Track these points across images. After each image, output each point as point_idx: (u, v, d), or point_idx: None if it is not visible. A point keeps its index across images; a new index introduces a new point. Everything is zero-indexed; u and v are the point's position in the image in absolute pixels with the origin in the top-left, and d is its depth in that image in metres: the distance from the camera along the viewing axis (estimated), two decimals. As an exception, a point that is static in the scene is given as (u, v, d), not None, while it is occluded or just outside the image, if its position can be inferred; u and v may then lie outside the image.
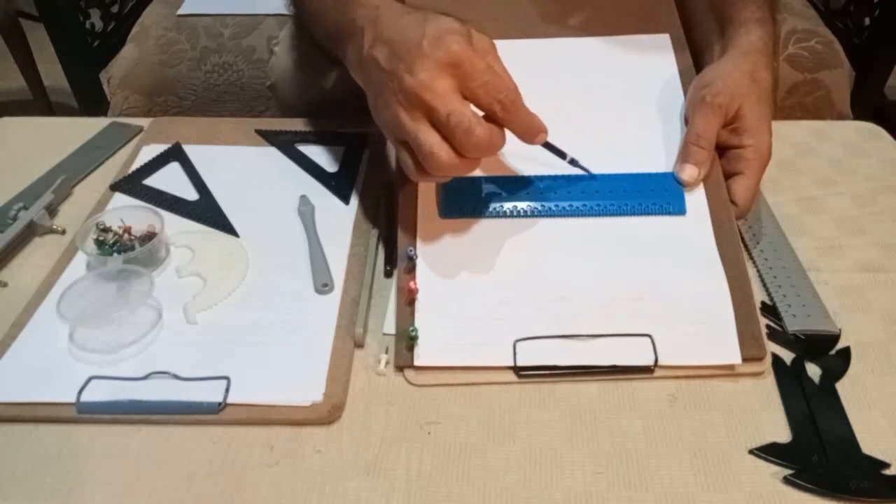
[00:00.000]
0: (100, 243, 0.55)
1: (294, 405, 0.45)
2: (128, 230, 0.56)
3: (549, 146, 0.51)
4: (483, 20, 0.64)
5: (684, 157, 0.54)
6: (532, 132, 0.47)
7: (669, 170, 0.55)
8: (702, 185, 0.54)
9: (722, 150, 0.55)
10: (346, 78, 0.76)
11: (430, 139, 0.44)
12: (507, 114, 0.45)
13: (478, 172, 0.54)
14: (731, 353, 0.47)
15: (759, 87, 0.55)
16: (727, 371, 0.47)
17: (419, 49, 0.44)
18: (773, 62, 0.59)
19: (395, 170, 0.57)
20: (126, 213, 0.57)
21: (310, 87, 0.77)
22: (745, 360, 0.47)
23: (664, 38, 0.63)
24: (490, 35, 0.63)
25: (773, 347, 0.49)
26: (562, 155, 0.52)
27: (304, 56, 0.77)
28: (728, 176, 0.54)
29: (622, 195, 0.53)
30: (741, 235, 0.57)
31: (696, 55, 0.64)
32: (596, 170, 0.54)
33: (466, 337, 0.48)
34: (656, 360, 0.47)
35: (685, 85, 0.59)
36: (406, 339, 0.48)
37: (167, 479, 0.42)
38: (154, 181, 0.64)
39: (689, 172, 0.53)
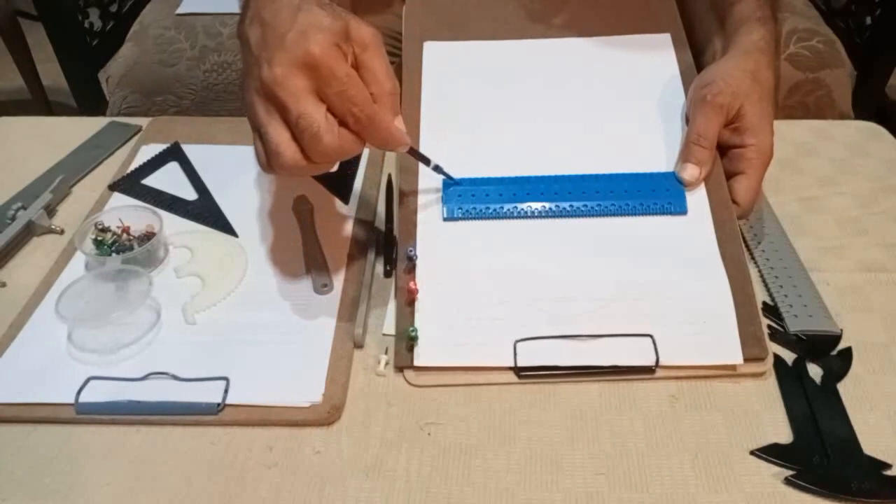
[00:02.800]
0: (98, 243, 0.55)
1: (293, 406, 0.45)
2: (126, 230, 0.56)
3: (413, 153, 0.50)
4: (485, 19, 0.65)
5: (685, 156, 0.54)
6: (391, 145, 0.45)
7: (670, 169, 0.54)
8: (703, 185, 0.54)
9: (723, 149, 0.55)
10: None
11: (279, 137, 0.42)
12: (361, 127, 0.42)
13: (478, 173, 0.54)
14: (732, 354, 0.47)
15: (761, 87, 0.55)
16: (729, 371, 0.47)
17: (283, 41, 0.41)
18: (774, 61, 0.58)
19: (397, 168, 0.57)
20: (125, 212, 0.57)
21: None
22: (746, 360, 0.47)
23: (665, 38, 0.63)
24: (491, 35, 0.63)
25: (774, 348, 0.49)
26: (426, 161, 0.51)
27: None
28: (729, 175, 0.54)
29: (623, 195, 0.53)
30: (742, 235, 0.56)
31: (697, 54, 0.64)
32: (597, 169, 0.54)
33: (466, 337, 0.48)
34: (657, 361, 0.47)
35: (686, 84, 0.59)
36: (406, 340, 0.48)
37: (166, 480, 0.42)
38: (153, 181, 0.64)
39: (690, 172, 0.53)
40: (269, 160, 0.43)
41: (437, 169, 0.52)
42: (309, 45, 0.41)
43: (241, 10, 0.48)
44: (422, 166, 0.56)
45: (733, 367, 0.47)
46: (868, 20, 1.16)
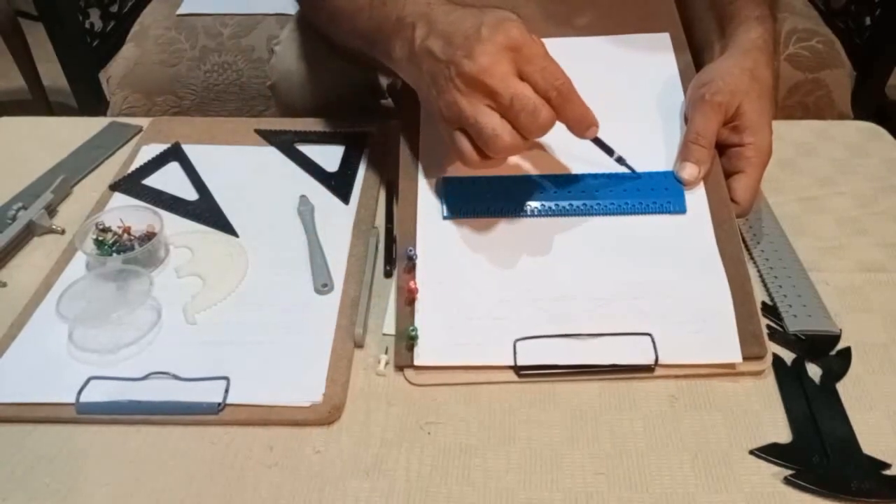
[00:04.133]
0: (99, 243, 0.55)
1: (294, 405, 0.45)
2: (127, 230, 0.56)
3: (597, 142, 0.51)
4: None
5: (684, 155, 0.54)
6: (584, 124, 0.48)
7: (669, 168, 0.54)
8: (702, 184, 0.54)
9: (722, 148, 0.55)
10: (347, 77, 0.76)
11: (493, 121, 0.45)
12: (562, 101, 0.46)
13: (477, 172, 0.54)
14: (731, 352, 0.47)
15: (760, 85, 0.55)
16: (728, 370, 0.47)
17: (478, 36, 0.45)
18: (773, 60, 0.59)
19: (401, 163, 0.57)
20: (125, 212, 0.57)
21: (311, 87, 0.77)
22: (745, 358, 0.47)
23: (664, 37, 0.63)
24: None
25: (773, 348, 0.49)
26: (609, 152, 0.52)
27: (306, 56, 0.77)
28: (728, 174, 0.54)
29: (622, 194, 0.53)
30: (742, 235, 0.57)
31: (696, 54, 0.64)
32: (596, 169, 0.54)
33: (466, 336, 0.48)
34: (657, 359, 0.47)
35: (685, 83, 0.59)
36: (406, 339, 0.48)
37: (167, 480, 0.42)
38: (153, 181, 0.64)
39: (689, 171, 0.53)
40: (486, 146, 0.46)
41: (621, 160, 0.53)
42: (509, 30, 0.45)
43: (377, 41, 0.53)
44: (420, 166, 0.56)
45: (732, 366, 0.47)
46: (868, 20, 1.16)
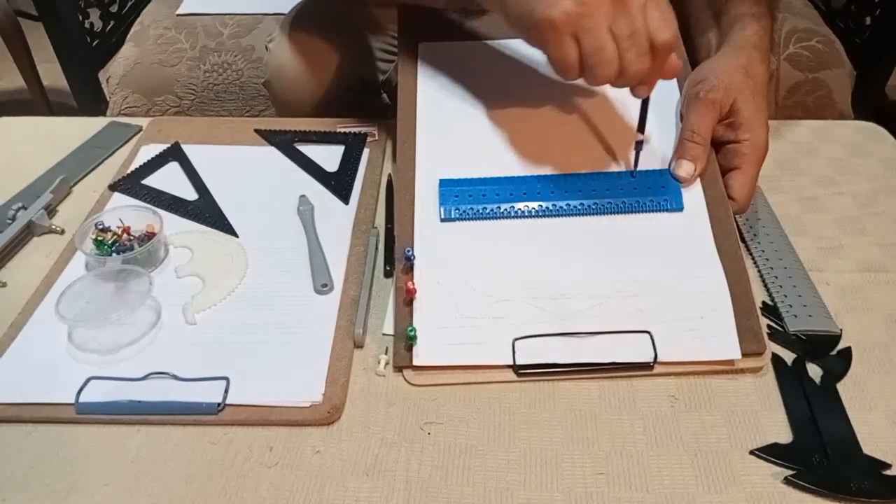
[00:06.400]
0: (99, 243, 0.55)
1: (293, 406, 0.45)
2: (127, 230, 0.56)
3: (644, 106, 0.51)
4: (479, 20, 0.65)
5: (680, 153, 0.54)
6: (650, 83, 0.48)
7: (666, 167, 0.54)
8: (699, 182, 0.54)
9: (718, 145, 0.55)
10: (341, 74, 0.76)
11: (612, 44, 0.43)
12: (662, 54, 0.45)
13: (474, 173, 0.54)
14: (730, 349, 0.47)
15: (754, 82, 0.55)
16: (727, 367, 0.47)
17: None
18: (768, 57, 0.59)
19: (394, 168, 0.57)
20: (125, 212, 0.57)
21: (305, 83, 0.77)
22: (744, 355, 0.47)
23: None
24: (486, 34, 0.63)
25: (774, 347, 0.49)
26: (641, 128, 0.52)
27: (300, 52, 0.77)
28: (725, 171, 0.54)
29: (619, 193, 0.53)
30: (741, 234, 0.57)
31: (692, 51, 0.64)
32: (592, 168, 0.54)
33: (465, 336, 0.48)
34: (655, 357, 0.47)
35: (680, 81, 0.59)
36: (405, 340, 0.48)
37: (166, 480, 0.42)
38: (153, 181, 0.64)
39: (685, 168, 0.53)
40: (597, 65, 0.44)
41: (639, 145, 0.53)
42: None
43: None
44: (419, 167, 0.55)
45: (731, 363, 0.47)
46: (868, 20, 1.16)
